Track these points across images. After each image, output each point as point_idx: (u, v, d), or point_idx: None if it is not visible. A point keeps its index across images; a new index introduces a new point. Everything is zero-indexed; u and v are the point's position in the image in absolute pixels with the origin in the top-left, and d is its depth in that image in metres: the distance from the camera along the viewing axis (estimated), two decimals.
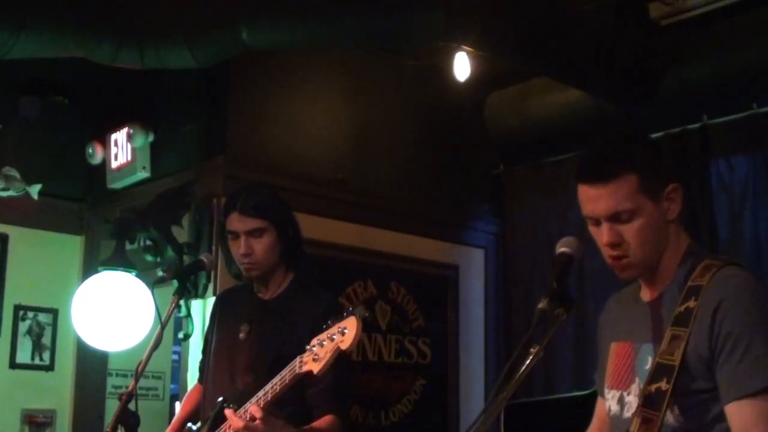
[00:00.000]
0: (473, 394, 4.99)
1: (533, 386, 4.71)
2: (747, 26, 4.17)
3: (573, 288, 4.45)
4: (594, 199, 1.83)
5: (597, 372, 2.12)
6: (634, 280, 1.93)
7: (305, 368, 2.40)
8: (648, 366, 1.80)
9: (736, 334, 1.68)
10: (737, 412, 1.67)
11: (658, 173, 1.84)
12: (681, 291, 1.79)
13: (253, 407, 2.47)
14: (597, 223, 1.85)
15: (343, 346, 2.33)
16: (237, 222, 2.77)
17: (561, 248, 1.84)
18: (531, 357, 1.64)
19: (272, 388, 2.48)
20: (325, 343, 2.37)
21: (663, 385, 1.72)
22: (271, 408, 2.48)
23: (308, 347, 2.41)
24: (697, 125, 4.40)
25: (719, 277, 1.76)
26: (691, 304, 1.74)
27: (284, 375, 2.46)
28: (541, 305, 1.70)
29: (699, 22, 4.31)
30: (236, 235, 2.78)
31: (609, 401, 1.93)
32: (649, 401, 1.74)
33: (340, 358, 2.39)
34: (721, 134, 4.34)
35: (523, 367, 1.65)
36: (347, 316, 2.36)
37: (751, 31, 4.15)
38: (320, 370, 2.36)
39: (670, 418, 1.75)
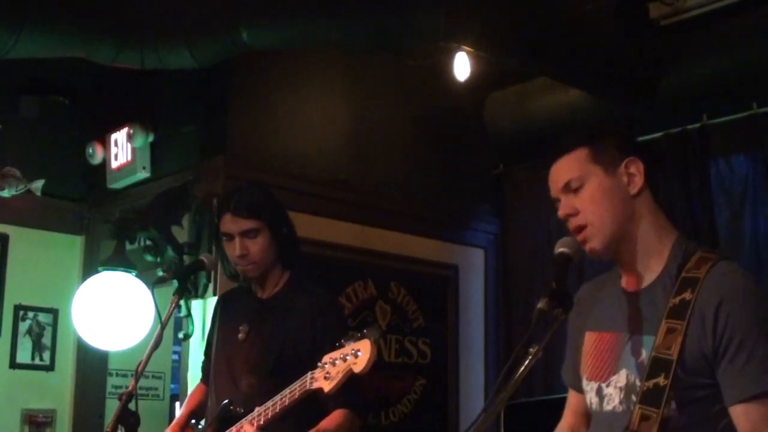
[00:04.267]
0: (473, 394, 4.99)
1: (533, 386, 4.70)
2: (747, 26, 4.17)
3: (572, 288, 4.44)
4: (552, 178, 1.92)
5: (564, 366, 2.11)
6: (606, 258, 1.89)
7: (316, 385, 2.39)
8: (640, 359, 1.77)
9: (741, 334, 1.66)
10: (744, 414, 1.66)
11: (612, 146, 1.87)
12: (673, 281, 1.76)
13: (246, 426, 2.50)
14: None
15: (356, 369, 2.31)
16: (230, 223, 2.76)
17: (560, 248, 1.84)
18: (530, 357, 1.64)
19: (281, 399, 2.48)
20: (337, 362, 2.35)
21: (661, 380, 1.70)
22: (271, 423, 2.49)
23: (320, 364, 2.40)
24: (697, 125, 4.40)
25: (718, 272, 1.73)
26: (687, 296, 1.72)
27: (294, 389, 2.45)
28: (540, 305, 1.69)
29: (699, 22, 4.31)
30: (231, 237, 2.77)
31: (588, 393, 1.91)
32: (647, 397, 1.71)
33: None
34: (721, 134, 4.35)
35: (523, 367, 1.64)
36: (362, 337, 2.34)
37: (751, 31, 4.16)
38: (331, 390, 2.35)
39: (666, 412, 1.72)
